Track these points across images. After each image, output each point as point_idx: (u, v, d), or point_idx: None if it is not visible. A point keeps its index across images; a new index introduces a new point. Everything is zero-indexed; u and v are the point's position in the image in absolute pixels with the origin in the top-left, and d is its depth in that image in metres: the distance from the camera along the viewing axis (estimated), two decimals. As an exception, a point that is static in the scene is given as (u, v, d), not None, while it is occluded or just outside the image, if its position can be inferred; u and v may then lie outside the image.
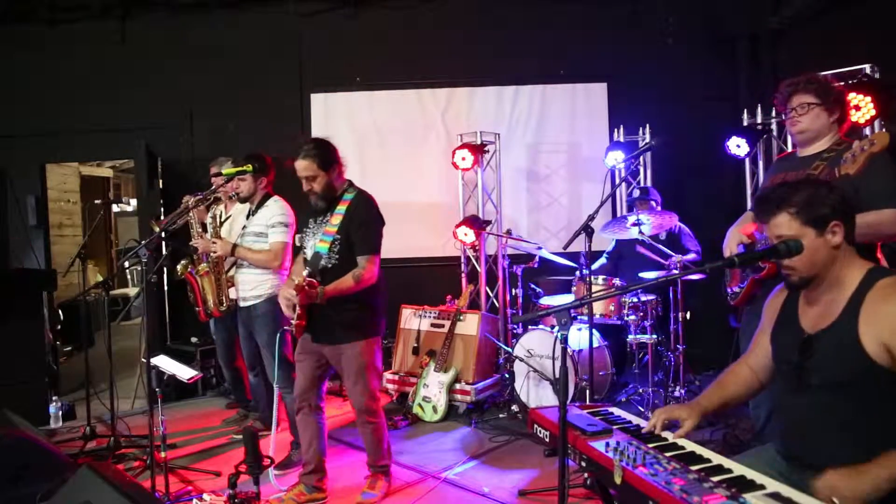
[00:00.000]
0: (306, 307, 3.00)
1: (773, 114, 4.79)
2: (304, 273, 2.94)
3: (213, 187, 3.84)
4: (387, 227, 3.16)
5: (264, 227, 3.74)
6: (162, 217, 5.18)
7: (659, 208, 4.72)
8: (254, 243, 3.75)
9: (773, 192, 1.89)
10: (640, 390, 4.43)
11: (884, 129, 3.66)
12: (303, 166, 3.05)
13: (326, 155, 3.06)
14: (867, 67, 4.06)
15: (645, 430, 1.96)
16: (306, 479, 3.26)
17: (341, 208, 3.09)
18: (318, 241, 3.10)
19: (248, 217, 3.87)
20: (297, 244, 3.32)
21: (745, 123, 4.93)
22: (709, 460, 1.74)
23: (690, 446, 1.84)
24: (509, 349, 4.64)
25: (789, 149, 4.26)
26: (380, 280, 3.11)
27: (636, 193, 4.81)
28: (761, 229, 2.71)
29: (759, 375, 2.06)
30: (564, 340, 1.78)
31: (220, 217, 4.22)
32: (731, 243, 2.81)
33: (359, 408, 3.18)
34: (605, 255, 5.11)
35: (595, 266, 4.92)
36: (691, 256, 4.59)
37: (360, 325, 3.11)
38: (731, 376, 2.11)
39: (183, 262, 4.06)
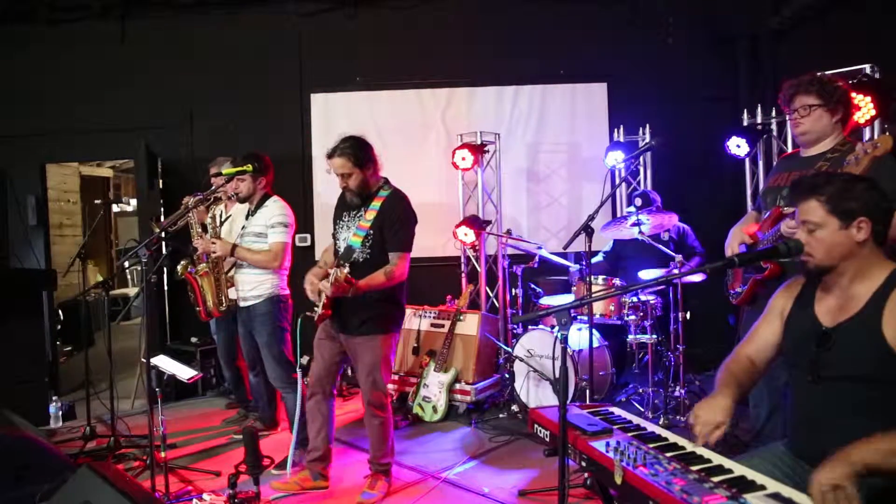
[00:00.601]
0: (333, 298, 3.03)
1: (774, 114, 4.79)
2: (346, 269, 2.94)
3: (214, 188, 3.84)
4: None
5: (264, 228, 3.74)
6: (162, 217, 5.18)
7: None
8: (253, 243, 3.75)
9: (810, 178, 1.90)
10: (640, 390, 4.44)
11: (887, 133, 3.66)
12: (338, 164, 3.10)
13: (361, 153, 3.11)
14: (867, 67, 4.06)
15: (693, 447, 1.83)
16: (313, 465, 3.30)
17: (376, 204, 3.14)
18: (351, 235, 3.15)
19: (247, 217, 3.87)
20: (333, 235, 3.33)
21: (745, 123, 4.93)
22: (709, 460, 1.74)
23: (691, 446, 1.84)
24: (509, 349, 4.63)
25: (790, 149, 4.26)
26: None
27: (638, 202, 4.77)
28: (763, 229, 2.71)
29: (758, 365, 2.07)
30: (564, 340, 1.78)
31: (220, 217, 4.22)
32: (734, 243, 2.81)
33: (369, 401, 3.21)
34: (601, 254, 5.09)
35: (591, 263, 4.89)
36: (697, 261, 4.59)
37: (383, 319, 3.16)
38: (740, 368, 2.07)
39: (183, 262, 4.06)
